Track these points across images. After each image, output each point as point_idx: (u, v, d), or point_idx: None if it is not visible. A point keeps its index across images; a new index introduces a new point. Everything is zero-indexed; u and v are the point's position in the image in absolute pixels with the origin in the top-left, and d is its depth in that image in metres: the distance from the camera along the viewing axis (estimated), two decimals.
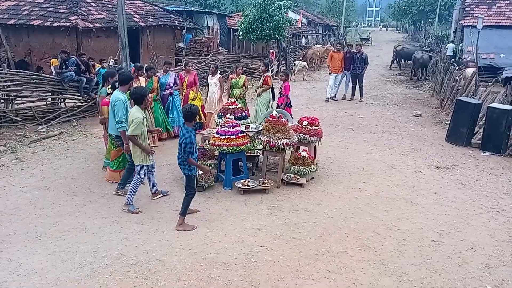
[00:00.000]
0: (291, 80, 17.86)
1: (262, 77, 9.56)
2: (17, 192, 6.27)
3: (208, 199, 6.11)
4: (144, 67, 8.95)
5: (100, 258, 4.56)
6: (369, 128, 10.54)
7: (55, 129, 9.89)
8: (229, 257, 4.62)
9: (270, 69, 11.88)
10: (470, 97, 10.55)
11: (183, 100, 9.35)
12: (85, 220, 5.46)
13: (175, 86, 9.20)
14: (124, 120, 5.71)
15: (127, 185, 6.07)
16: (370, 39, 40.20)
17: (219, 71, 10.20)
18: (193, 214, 5.53)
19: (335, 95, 14.02)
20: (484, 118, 9.40)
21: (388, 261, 4.64)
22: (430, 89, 16.47)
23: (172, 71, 9.80)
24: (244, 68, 17.92)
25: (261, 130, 6.56)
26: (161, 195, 6.16)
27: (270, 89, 9.42)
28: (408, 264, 4.60)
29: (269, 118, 6.62)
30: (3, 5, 15.19)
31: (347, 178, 7.12)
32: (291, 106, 9.19)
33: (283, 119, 6.69)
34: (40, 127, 9.85)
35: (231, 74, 9.89)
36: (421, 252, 4.85)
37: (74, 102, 11.07)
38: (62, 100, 10.93)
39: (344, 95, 14.11)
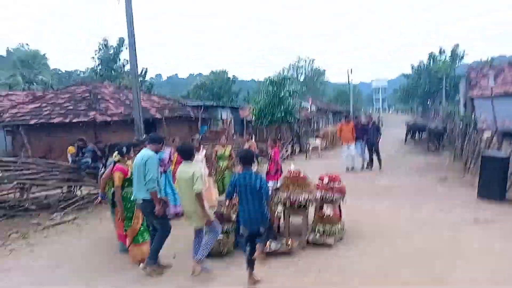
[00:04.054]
0: (306, 158, 17.81)
1: (246, 145, 9.20)
2: (22, 272, 5.82)
3: (228, 265, 5.55)
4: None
5: None
6: (394, 192, 10.03)
7: (70, 216, 9.62)
8: None
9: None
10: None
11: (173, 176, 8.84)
12: None
13: (169, 163, 8.59)
14: (156, 179, 5.30)
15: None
16: (381, 121, 40.89)
17: (203, 146, 9.66)
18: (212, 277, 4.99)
19: (353, 167, 13.69)
20: None
21: None
22: (449, 157, 16.06)
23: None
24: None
25: (279, 187, 6.20)
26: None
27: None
28: None
29: (287, 174, 6.29)
30: (26, 108, 16.05)
31: (379, 237, 6.51)
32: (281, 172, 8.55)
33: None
34: (55, 214, 9.60)
35: (216, 145, 9.38)
36: None
37: (89, 189, 10.94)
38: (78, 187, 10.84)
39: (363, 165, 13.79)
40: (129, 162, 6.08)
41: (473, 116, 22.56)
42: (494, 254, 5.59)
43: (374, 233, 6.74)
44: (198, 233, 5.32)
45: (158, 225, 5.43)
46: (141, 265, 5.38)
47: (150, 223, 5.62)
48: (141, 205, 5.41)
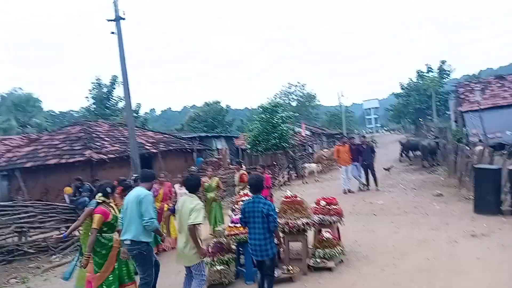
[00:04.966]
0: (303, 183, 17.86)
1: (237, 175, 9.37)
2: None
3: None
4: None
5: None
6: (392, 211, 10.08)
7: (69, 257, 9.55)
8: None
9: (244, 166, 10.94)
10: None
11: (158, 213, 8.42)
12: None
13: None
14: (155, 218, 5.12)
15: None
16: (374, 141, 41.16)
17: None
18: None
19: (350, 188, 13.75)
20: (509, 184, 9.00)
21: None
22: (444, 172, 16.20)
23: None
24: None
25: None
26: None
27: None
28: None
29: (284, 199, 6.37)
30: (22, 151, 16.13)
31: (379, 258, 6.54)
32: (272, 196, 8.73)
33: None
34: (54, 256, 9.54)
35: (203, 177, 9.24)
36: None
37: None
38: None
39: (359, 186, 13.86)
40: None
41: (464, 130, 22.91)
42: (492, 267, 5.64)
43: (373, 253, 6.77)
44: (189, 271, 5.07)
45: (140, 271, 5.10)
46: None
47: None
48: (129, 246, 5.04)
